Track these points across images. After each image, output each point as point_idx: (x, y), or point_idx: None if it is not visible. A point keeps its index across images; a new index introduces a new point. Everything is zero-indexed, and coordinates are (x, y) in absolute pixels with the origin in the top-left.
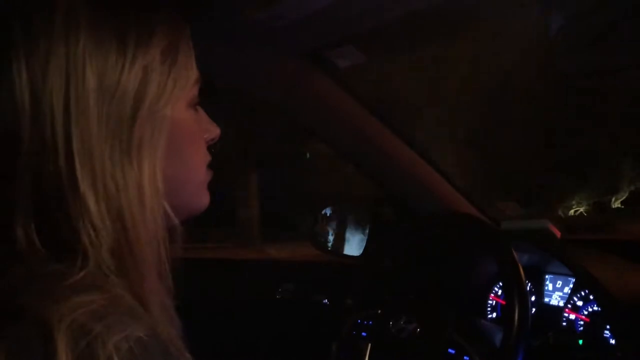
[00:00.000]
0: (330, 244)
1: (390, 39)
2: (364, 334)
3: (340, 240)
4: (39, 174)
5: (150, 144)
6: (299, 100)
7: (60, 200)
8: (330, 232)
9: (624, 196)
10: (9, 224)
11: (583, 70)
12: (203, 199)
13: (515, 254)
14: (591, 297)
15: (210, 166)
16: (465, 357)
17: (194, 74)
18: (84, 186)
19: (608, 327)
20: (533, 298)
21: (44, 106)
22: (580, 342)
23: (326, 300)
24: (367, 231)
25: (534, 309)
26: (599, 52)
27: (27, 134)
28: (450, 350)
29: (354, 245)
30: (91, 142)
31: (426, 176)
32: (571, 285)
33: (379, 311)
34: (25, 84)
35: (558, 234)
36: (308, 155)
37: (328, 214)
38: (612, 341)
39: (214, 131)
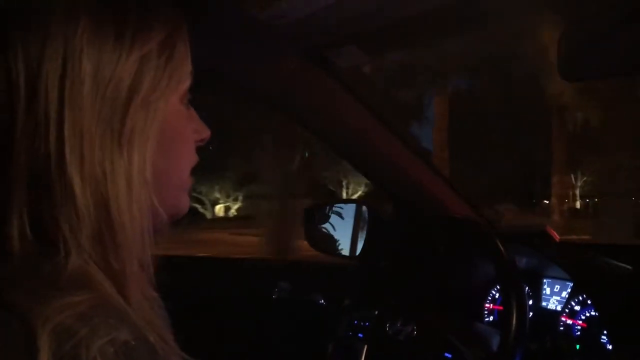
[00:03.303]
0: (326, 244)
1: (393, 38)
2: (360, 334)
3: (337, 240)
4: (31, 159)
5: (142, 135)
6: (299, 99)
7: (47, 185)
8: (327, 231)
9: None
10: (3, 218)
11: (586, 75)
12: (184, 202)
13: (513, 257)
14: (589, 302)
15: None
16: None
17: (188, 69)
18: (71, 170)
19: (605, 332)
20: (531, 302)
21: (39, 89)
22: (577, 347)
23: (322, 301)
24: (364, 231)
25: (531, 313)
26: (601, 56)
27: (21, 116)
28: (446, 355)
29: (351, 246)
30: (82, 128)
31: (424, 178)
32: (569, 290)
33: (376, 312)
34: (21, 67)
35: (556, 237)
36: (307, 154)
37: (325, 213)
38: (609, 347)
39: (204, 132)
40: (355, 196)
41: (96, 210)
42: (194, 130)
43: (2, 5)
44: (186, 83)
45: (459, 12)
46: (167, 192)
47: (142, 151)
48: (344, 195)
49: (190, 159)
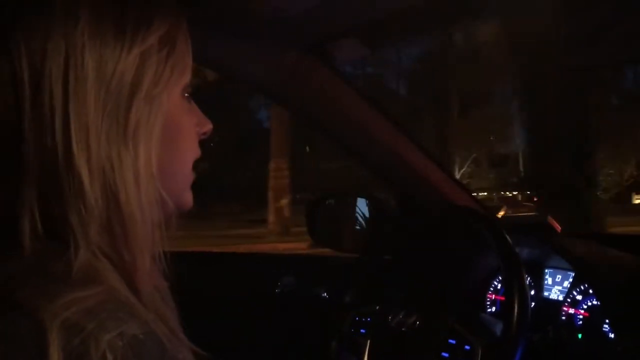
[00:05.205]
0: (329, 237)
1: (393, 31)
2: (363, 330)
3: (339, 233)
4: (40, 154)
5: (146, 128)
6: (301, 93)
7: (56, 179)
8: (330, 224)
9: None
10: (14, 214)
11: (586, 65)
12: (188, 197)
13: (515, 247)
14: (590, 291)
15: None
16: (466, 347)
17: (189, 63)
18: (79, 163)
19: (607, 321)
20: (532, 292)
21: (43, 85)
22: (580, 336)
23: (325, 294)
24: (367, 225)
25: (533, 303)
26: (601, 46)
27: (28, 113)
28: (450, 341)
29: (354, 239)
30: (88, 122)
31: (426, 170)
32: (570, 280)
33: (378, 307)
34: (25, 65)
35: (558, 228)
36: (308, 148)
37: (328, 206)
38: (611, 335)
39: (207, 125)
40: None
41: (105, 203)
42: (196, 124)
43: (4, 3)
44: (187, 77)
45: (459, 3)
46: (172, 184)
47: (148, 144)
48: None
49: (193, 151)
